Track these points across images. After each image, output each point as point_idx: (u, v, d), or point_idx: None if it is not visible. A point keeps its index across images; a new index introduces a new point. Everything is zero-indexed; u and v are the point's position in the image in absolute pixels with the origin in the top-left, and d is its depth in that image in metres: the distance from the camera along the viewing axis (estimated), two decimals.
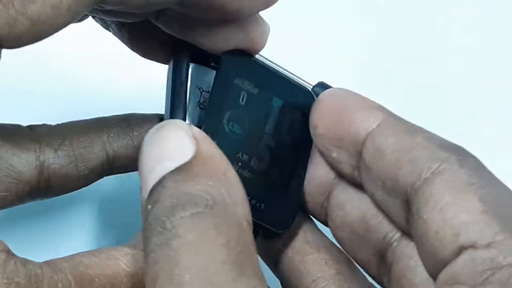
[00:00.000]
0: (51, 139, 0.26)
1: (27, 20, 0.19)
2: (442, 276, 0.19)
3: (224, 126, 0.26)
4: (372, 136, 0.22)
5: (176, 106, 0.25)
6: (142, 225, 0.20)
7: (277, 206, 0.26)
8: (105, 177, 0.29)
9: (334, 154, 0.23)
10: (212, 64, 0.26)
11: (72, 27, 0.23)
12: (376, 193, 0.22)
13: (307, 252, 0.26)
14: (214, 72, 0.27)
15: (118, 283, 0.19)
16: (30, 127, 0.26)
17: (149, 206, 0.19)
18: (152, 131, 0.21)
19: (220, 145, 0.22)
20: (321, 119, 0.24)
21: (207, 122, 0.24)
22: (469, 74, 0.43)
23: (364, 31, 0.45)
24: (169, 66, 0.26)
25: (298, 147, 0.27)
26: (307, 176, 0.26)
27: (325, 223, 0.26)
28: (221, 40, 0.24)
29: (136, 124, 0.27)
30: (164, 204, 0.18)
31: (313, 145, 0.27)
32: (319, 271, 0.24)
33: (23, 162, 0.24)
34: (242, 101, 0.26)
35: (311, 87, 0.40)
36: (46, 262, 0.19)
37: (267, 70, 0.27)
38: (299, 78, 0.40)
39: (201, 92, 0.26)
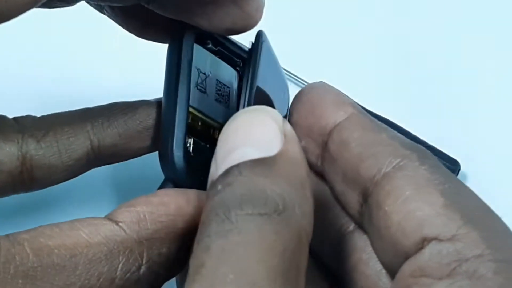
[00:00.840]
0: (34, 130, 0.25)
1: None
2: (406, 269, 0.19)
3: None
4: (339, 128, 0.22)
5: (181, 88, 0.24)
6: (206, 196, 0.19)
7: None
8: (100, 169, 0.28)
9: (303, 143, 0.24)
10: (209, 46, 0.26)
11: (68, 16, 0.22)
12: (336, 184, 0.22)
13: None
14: (210, 53, 0.26)
15: (78, 254, 0.19)
16: (15, 118, 0.25)
17: (220, 186, 0.18)
18: (246, 109, 0.21)
19: None
20: (296, 108, 0.24)
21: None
22: (470, 73, 0.43)
23: (364, 30, 0.45)
24: (171, 45, 0.25)
25: None
26: None
27: None
28: (216, 18, 0.24)
29: (120, 111, 0.26)
30: (235, 193, 0.18)
31: None
32: None
33: (5, 152, 0.24)
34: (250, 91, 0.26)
35: None
36: (7, 235, 0.19)
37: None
38: (299, 78, 0.40)
39: (198, 73, 0.26)
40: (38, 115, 0.26)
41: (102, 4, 0.25)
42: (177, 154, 0.23)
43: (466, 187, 0.20)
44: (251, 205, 0.17)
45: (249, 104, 0.24)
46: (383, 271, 0.21)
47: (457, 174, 0.35)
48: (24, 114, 0.26)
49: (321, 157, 0.23)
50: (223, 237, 0.17)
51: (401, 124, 0.37)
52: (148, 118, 0.26)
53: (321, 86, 0.24)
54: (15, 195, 0.26)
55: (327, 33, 0.43)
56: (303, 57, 0.41)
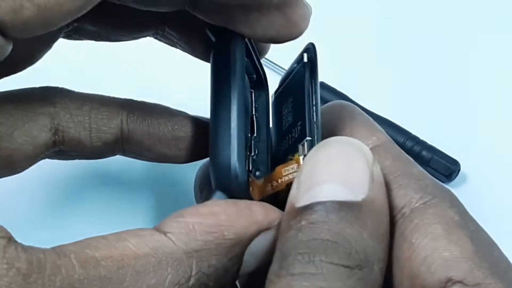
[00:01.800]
0: (70, 101, 0.25)
1: (33, 6, 0.18)
2: None
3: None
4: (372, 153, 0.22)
5: (239, 104, 0.23)
6: (284, 219, 0.20)
7: None
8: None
9: None
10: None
11: None
12: None
13: None
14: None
15: (126, 265, 0.18)
16: (47, 88, 0.26)
17: (304, 222, 0.19)
18: (341, 140, 0.21)
19: None
20: (323, 124, 0.24)
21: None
22: (471, 76, 0.43)
23: (365, 32, 0.45)
24: (223, 52, 0.24)
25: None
26: None
27: None
28: (261, 26, 0.23)
29: (157, 113, 0.26)
30: (321, 236, 0.18)
31: None
32: None
33: (39, 126, 0.24)
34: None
35: None
36: (53, 248, 0.19)
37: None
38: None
39: None
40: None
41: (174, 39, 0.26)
42: (240, 167, 0.22)
43: (490, 237, 0.20)
44: (337, 255, 0.18)
45: (319, 129, 0.23)
46: None
47: (457, 174, 0.35)
48: None
49: None
50: (308, 280, 0.17)
51: (401, 124, 0.37)
52: (180, 130, 0.26)
53: (351, 107, 0.24)
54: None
55: (328, 34, 0.43)
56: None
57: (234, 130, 0.22)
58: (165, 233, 0.19)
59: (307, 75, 0.25)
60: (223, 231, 0.19)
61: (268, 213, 0.20)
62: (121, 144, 0.26)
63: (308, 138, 0.22)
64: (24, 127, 0.24)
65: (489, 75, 0.41)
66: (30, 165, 0.25)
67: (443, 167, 0.35)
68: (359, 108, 0.24)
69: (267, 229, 0.20)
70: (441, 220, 0.20)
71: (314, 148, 0.20)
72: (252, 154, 0.25)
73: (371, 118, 0.24)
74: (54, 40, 0.24)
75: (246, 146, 0.24)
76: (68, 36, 0.25)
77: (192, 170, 0.28)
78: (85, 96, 0.26)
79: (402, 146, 0.36)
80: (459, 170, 0.35)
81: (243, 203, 0.21)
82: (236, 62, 0.23)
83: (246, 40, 0.24)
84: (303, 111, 0.23)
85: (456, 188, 0.35)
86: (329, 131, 0.23)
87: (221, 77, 0.24)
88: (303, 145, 0.22)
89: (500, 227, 0.35)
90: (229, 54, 0.24)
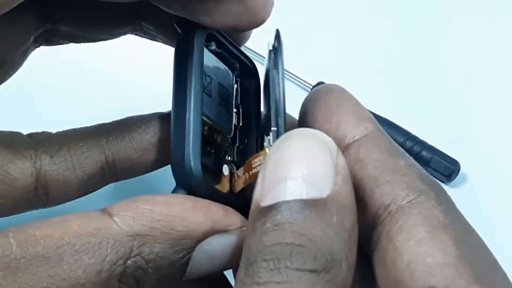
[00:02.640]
0: (49, 145, 0.25)
1: None
2: None
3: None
4: (357, 145, 0.21)
5: (195, 92, 0.23)
6: (249, 219, 0.19)
7: None
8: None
9: None
10: (213, 47, 0.25)
11: None
12: None
13: None
14: (213, 55, 0.26)
15: (65, 244, 0.18)
16: (30, 135, 0.25)
17: (268, 224, 0.18)
18: (302, 133, 0.20)
19: None
20: (310, 110, 0.23)
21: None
22: (468, 73, 0.43)
23: (365, 32, 0.45)
24: (181, 47, 0.24)
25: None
26: None
27: None
28: (219, 15, 0.23)
29: (134, 125, 0.26)
30: (285, 239, 0.18)
31: None
32: None
33: (18, 168, 0.24)
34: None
35: (311, 86, 0.40)
36: None
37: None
38: (299, 78, 0.40)
39: (205, 76, 0.25)
40: (54, 131, 0.26)
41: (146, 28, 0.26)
42: (195, 161, 0.22)
43: (477, 235, 0.20)
44: (301, 260, 0.17)
45: (282, 118, 0.23)
46: None
47: (457, 174, 0.35)
48: (40, 131, 0.26)
49: None
50: None
51: (401, 124, 0.37)
52: (163, 130, 0.26)
53: (339, 91, 0.23)
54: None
55: (327, 34, 0.43)
56: (302, 58, 0.41)
57: (189, 124, 0.22)
58: (110, 215, 0.19)
59: (271, 63, 0.24)
60: (172, 222, 0.19)
61: (227, 215, 0.20)
62: (109, 170, 0.26)
63: (273, 128, 0.22)
64: (3, 166, 0.23)
65: (489, 75, 0.41)
66: (9, 211, 0.24)
67: (443, 167, 0.35)
68: (348, 92, 0.23)
69: (225, 231, 0.20)
70: (425, 221, 0.19)
71: (276, 142, 0.20)
72: (238, 144, 0.25)
73: (360, 103, 0.23)
74: (25, 51, 0.24)
75: (215, 139, 0.24)
76: (47, 42, 0.25)
77: None
78: (62, 136, 0.25)
79: (402, 146, 0.36)
80: (459, 170, 0.35)
81: (202, 201, 0.21)
82: (194, 54, 0.23)
83: (215, 31, 0.24)
84: (269, 100, 0.23)
85: (456, 188, 0.35)
86: (316, 120, 0.23)
87: (179, 72, 0.24)
88: (268, 136, 0.22)
89: (500, 227, 0.36)
90: (187, 46, 0.24)
